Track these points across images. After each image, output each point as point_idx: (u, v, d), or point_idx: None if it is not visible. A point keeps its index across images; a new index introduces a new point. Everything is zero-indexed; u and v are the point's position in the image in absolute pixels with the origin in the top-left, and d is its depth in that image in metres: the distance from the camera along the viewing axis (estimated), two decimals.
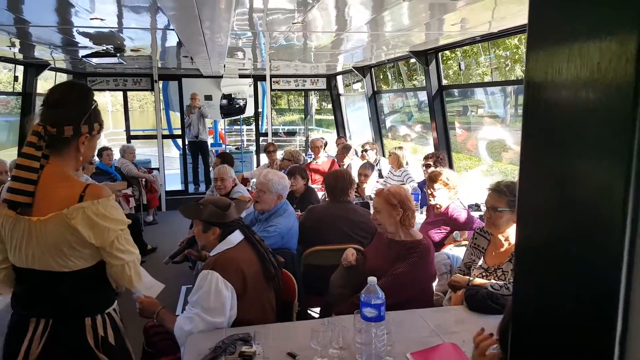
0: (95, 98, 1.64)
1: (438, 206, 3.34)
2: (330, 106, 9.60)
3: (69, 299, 1.60)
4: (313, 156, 6.14)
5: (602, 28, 0.40)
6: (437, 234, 3.30)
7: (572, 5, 0.44)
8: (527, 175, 0.51)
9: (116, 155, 6.92)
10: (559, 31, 0.45)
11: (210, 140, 9.95)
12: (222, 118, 9.65)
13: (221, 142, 11.10)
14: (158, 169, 7.95)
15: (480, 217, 3.52)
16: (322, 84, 8.93)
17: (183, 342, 1.99)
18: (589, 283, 0.43)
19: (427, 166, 4.35)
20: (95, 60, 5.07)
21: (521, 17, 3.37)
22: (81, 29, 3.91)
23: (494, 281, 2.26)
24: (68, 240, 1.52)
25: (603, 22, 0.40)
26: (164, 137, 8.39)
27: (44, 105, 1.57)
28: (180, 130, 8.57)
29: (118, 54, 4.89)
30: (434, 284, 2.61)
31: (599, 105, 0.41)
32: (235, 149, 10.45)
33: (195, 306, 2.03)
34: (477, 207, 4.19)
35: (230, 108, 9.11)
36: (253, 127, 12.32)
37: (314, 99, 15.45)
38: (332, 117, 9.66)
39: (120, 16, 3.39)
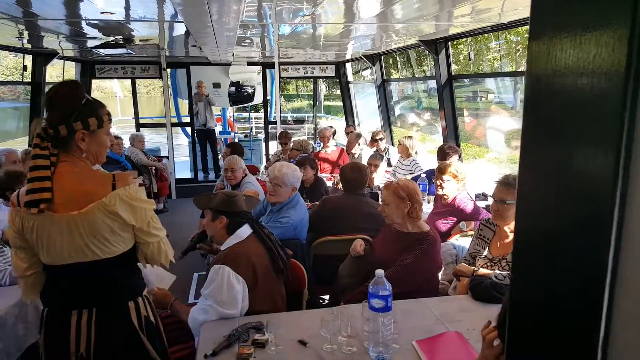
0: (86, 94, 1.66)
1: (445, 197, 3.37)
2: (339, 92, 9.57)
3: (112, 286, 1.71)
4: (322, 145, 6.16)
5: (597, 20, 0.41)
6: (443, 224, 3.34)
7: None
8: (526, 165, 0.52)
9: (126, 143, 7.00)
10: (559, 22, 0.46)
11: (218, 128, 10.00)
12: (231, 106, 9.67)
13: (230, 129, 11.14)
14: (167, 157, 8.04)
15: (487, 207, 3.56)
16: (331, 71, 8.89)
17: (197, 332, 2.06)
18: (581, 272, 0.45)
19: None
20: (104, 51, 5.11)
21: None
22: (90, 22, 3.94)
23: (497, 271, 2.31)
24: (110, 227, 1.61)
25: (599, 14, 0.41)
26: (173, 125, 8.44)
27: (45, 108, 1.66)
28: (189, 118, 8.62)
29: (127, 45, 4.92)
30: (440, 274, 2.66)
31: (594, 95, 0.42)
32: (244, 136, 10.47)
33: (208, 298, 2.09)
34: (484, 196, 4.21)
35: (239, 95, 9.14)
36: (261, 114, 12.35)
37: (322, 85, 15.40)
38: (341, 104, 9.63)
39: (128, 8, 3.42)
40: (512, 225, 2.36)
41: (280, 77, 8.48)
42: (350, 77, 9.05)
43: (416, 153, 5.30)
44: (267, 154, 9.13)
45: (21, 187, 3.22)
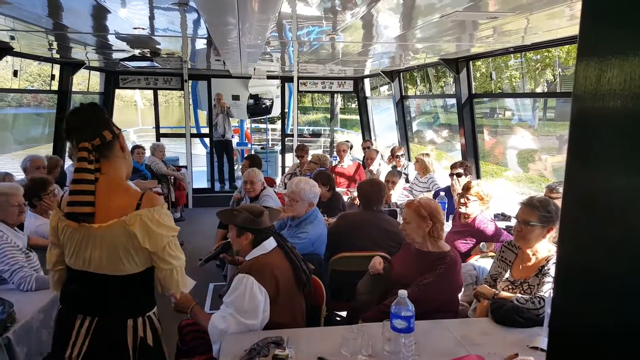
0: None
1: (466, 216, 3.35)
2: (354, 105, 9.63)
3: (115, 301, 1.74)
4: (338, 159, 6.20)
5: None
6: (463, 245, 3.32)
7: (623, 17, 0.44)
8: (571, 187, 0.51)
9: (146, 153, 7.14)
10: (609, 43, 0.45)
11: (236, 139, 10.14)
12: (249, 118, 9.81)
13: (247, 141, 11.27)
14: (186, 167, 8.15)
15: (507, 227, 3.53)
16: (349, 86, 8.95)
17: (216, 339, 2.08)
18: (626, 298, 0.44)
19: (458, 175, 4.34)
20: (132, 64, 5.24)
21: (554, 32, 3.38)
22: (120, 35, 4.06)
23: (519, 295, 2.29)
24: (125, 245, 1.66)
25: None
26: (192, 135, 8.57)
27: (74, 133, 1.69)
28: (208, 129, 8.76)
29: (154, 59, 5.05)
30: (460, 295, 2.64)
31: None
32: (261, 148, 10.58)
33: (229, 307, 2.12)
34: (503, 216, 4.18)
35: (257, 108, 9.27)
36: (276, 125, 12.46)
37: (338, 98, 15.52)
38: (357, 117, 9.67)
39: (157, 23, 3.51)
40: (534, 248, 2.34)
41: (298, 91, 8.59)
42: (368, 93, 9.10)
43: (434, 170, 5.30)
44: (283, 166, 9.21)
45: (45, 193, 3.36)
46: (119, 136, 1.75)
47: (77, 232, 1.67)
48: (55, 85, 6.55)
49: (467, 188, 3.39)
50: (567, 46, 4.72)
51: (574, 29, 3.22)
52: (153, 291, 1.85)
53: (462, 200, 3.36)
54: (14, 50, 4.86)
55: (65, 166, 5.89)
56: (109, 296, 1.72)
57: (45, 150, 6.96)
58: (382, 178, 4.97)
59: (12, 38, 4.29)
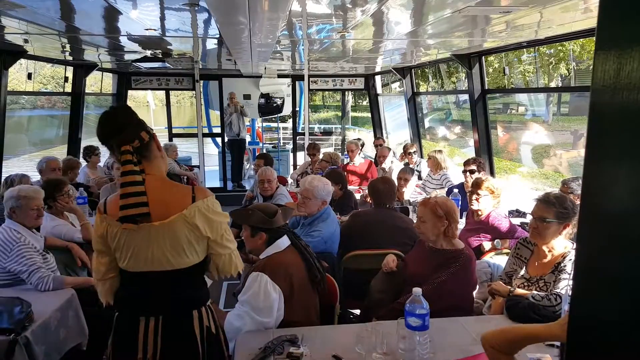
0: None
1: (480, 212, 3.33)
2: (365, 102, 9.60)
3: (180, 295, 1.76)
4: (349, 158, 6.18)
5: None
6: (476, 242, 3.29)
7: None
8: (591, 182, 0.50)
9: None
10: (630, 35, 0.44)
11: (247, 138, 10.19)
12: (260, 117, 9.84)
13: (258, 140, 11.31)
14: (198, 167, 8.19)
15: (522, 224, 3.49)
16: (360, 83, 8.91)
17: (232, 337, 2.09)
18: None
19: (471, 172, 4.30)
20: (144, 65, 5.28)
21: (568, 26, 3.33)
22: (131, 36, 4.10)
23: (535, 292, 2.26)
24: (187, 237, 1.69)
25: None
26: (205, 135, 8.62)
27: (112, 137, 1.69)
28: (219, 129, 8.80)
29: (165, 59, 5.09)
30: (474, 292, 2.62)
31: None
32: (272, 147, 10.61)
33: (244, 305, 2.14)
34: (517, 213, 4.14)
35: (268, 107, 9.31)
36: (287, 124, 12.49)
37: (349, 96, 15.48)
38: (369, 115, 9.63)
39: (168, 24, 3.54)
40: (550, 244, 2.31)
41: (309, 90, 8.57)
42: (379, 90, 9.05)
43: (447, 167, 5.25)
44: (294, 165, 9.22)
45: (60, 194, 3.40)
46: (153, 136, 1.77)
47: (136, 233, 1.67)
48: (68, 87, 6.65)
49: (477, 184, 3.36)
50: (581, 39, 4.65)
51: (588, 22, 3.17)
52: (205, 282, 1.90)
53: (473, 197, 3.34)
54: (28, 53, 4.93)
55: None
56: (173, 292, 1.74)
57: (59, 151, 7.07)
58: (394, 175, 4.95)
59: (26, 41, 4.36)
